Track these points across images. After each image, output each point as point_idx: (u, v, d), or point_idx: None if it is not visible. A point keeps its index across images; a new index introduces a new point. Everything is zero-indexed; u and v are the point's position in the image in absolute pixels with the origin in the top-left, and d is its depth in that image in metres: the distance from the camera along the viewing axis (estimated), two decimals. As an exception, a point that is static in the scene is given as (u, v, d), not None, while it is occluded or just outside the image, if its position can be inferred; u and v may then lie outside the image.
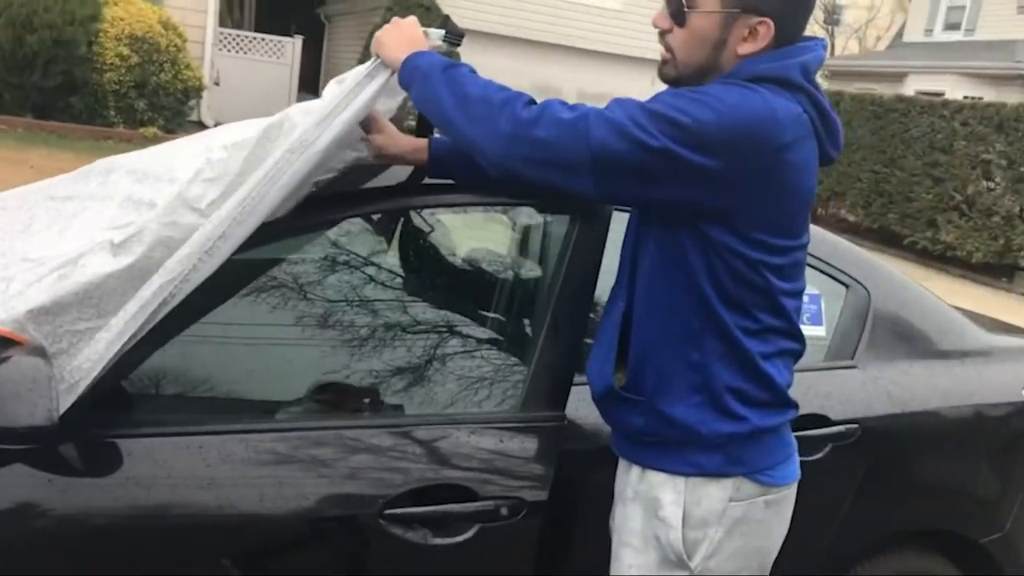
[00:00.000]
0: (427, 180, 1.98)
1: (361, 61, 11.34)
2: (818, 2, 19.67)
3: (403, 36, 1.72)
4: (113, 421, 1.76)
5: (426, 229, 2.22)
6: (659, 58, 1.68)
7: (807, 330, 2.38)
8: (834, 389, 2.34)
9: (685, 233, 1.57)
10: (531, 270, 2.29)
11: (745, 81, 1.55)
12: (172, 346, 1.81)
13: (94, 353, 1.59)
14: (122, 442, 1.71)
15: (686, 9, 1.58)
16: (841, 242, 2.58)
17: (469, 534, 1.79)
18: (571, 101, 1.60)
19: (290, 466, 1.77)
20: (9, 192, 2.23)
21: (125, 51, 11.97)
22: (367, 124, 1.86)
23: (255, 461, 1.75)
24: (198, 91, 12.92)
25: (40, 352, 1.55)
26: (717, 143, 1.46)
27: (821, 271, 2.46)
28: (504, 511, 1.81)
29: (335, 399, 1.99)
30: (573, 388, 1.92)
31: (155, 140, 10.58)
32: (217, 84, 14.63)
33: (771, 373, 1.64)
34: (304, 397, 1.99)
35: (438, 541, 1.78)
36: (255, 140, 1.70)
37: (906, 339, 2.50)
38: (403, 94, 1.94)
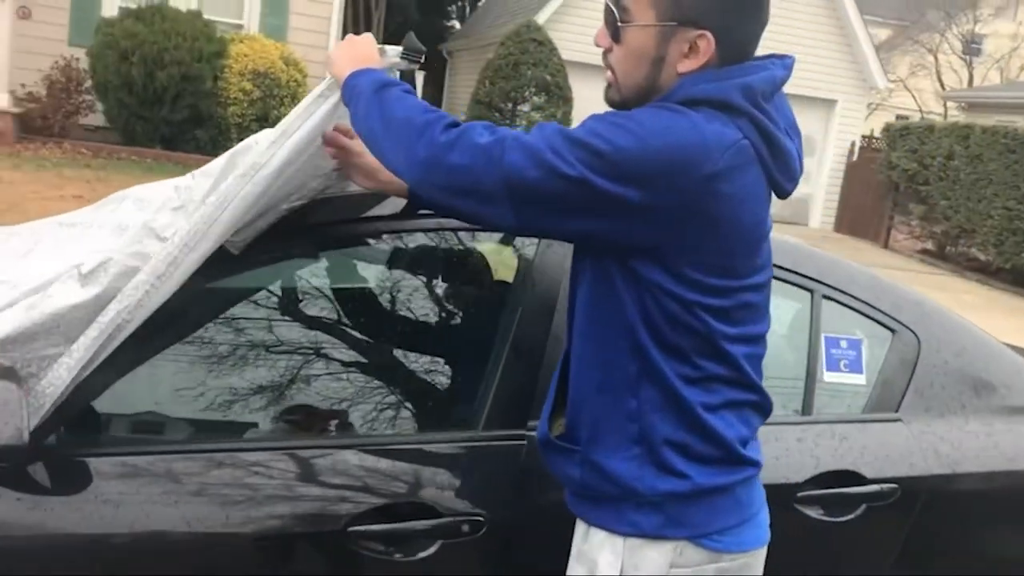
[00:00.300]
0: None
1: (474, 94, 11.43)
2: (956, 32, 18.74)
3: (355, 53, 1.65)
4: (82, 440, 1.78)
5: (387, 251, 2.17)
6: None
7: (844, 378, 2.23)
8: (871, 443, 2.14)
9: (616, 269, 1.45)
10: (495, 288, 2.22)
11: (679, 104, 1.42)
12: (141, 368, 1.83)
13: (56, 377, 1.62)
14: (92, 460, 1.72)
15: (620, 24, 1.48)
16: (888, 282, 2.37)
17: (431, 550, 1.78)
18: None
19: (257, 484, 1.77)
20: (32, 222, 2.29)
21: (248, 86, 12.48)
22: (347, 151, 1.81)
23: (223, 479, 1.76)
24: (317, 124, 13.32)
25: (9, 373, 1.57)
26: (637, 172, 1.34)
27: (864, 314, 2.26)
28: (465, 528, 1.81)
29: (302, 419, 1.99)
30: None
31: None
32: (337, 118, 15.06)
33: (716, 426, 1.49)
34: (272, 417, 2.00)
35: (400, 557, 1.78)
36: (220, 167, 1.68)
37: (963, 391, 2.27)
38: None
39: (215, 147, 12.67)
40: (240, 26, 13.73)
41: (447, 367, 2.15)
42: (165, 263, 1.60)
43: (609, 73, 1.54)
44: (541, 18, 16.31)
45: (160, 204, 1.70)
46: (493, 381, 1.93)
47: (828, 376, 2.21)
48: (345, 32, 18.68)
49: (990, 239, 13.33)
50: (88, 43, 12.19)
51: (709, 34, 1.43)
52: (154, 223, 1.66)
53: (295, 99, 12.77)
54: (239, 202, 1.62)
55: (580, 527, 1.61)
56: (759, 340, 1.54)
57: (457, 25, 30.37)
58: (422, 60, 1.77)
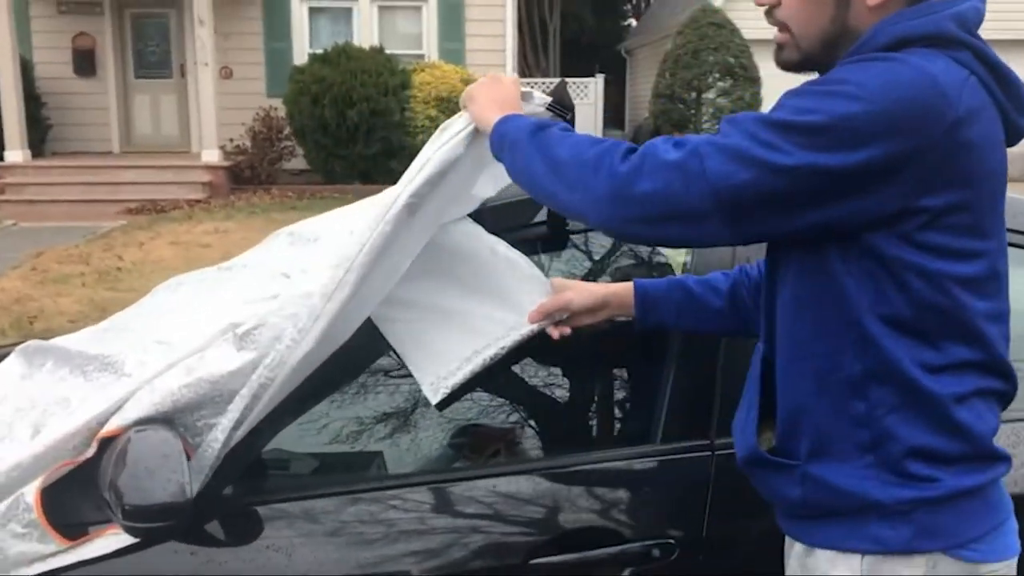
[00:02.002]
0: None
1: (654, 88, 11.22)
2: None
3: (499, 96, 1.53)
4: (247, 489, 1.74)
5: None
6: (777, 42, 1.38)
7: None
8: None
9: (836, 253, 1.25)
10: None
11: (883, 50, 1.22)
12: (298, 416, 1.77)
13: (213, 439, 1.59)
14: (259, 509, 1.67)
15: None
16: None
17: None
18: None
19: (429, 519, 1.70)
20: (199, 270, 2.30)
21: (433, 112, 12.78)
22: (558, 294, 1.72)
23: (392, 517, 1.69)
24: (502, 141, 13.47)
25: (170, 426, 1.56)
26: (868, 136, 1.15)
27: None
28: (656, 553, 1.68)
29: (471, 445, 1.90)
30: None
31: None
32: (522, 131, 15.19)
33: (965, 419, 1.27)
34: (438, 446, 1.91)
35: None
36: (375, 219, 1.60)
37: None
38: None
39: (408, 175, 13.06)
40: (420, 56, 14.12)
41: (614, 378, 2.03)
42: (306, 315, 1.54)
43: (779, 32, 1.36)
44: (717, 0, 15.77)
45: (317, 264, 1.63)
46: (666, 388, 1.78)
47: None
48: (522, 47, 18.92)
49: None
50: (283, 92, 12.89)
51: None
52: (311, 284, 1.60)
53: (479, 119, 12.96)
54: (374, 242, 1.54)
55: (797, 547, 1.41)
56: (1006, 317, 1.32)
57: (634, 23, 30.04)
58: (568, 117, 1.63)
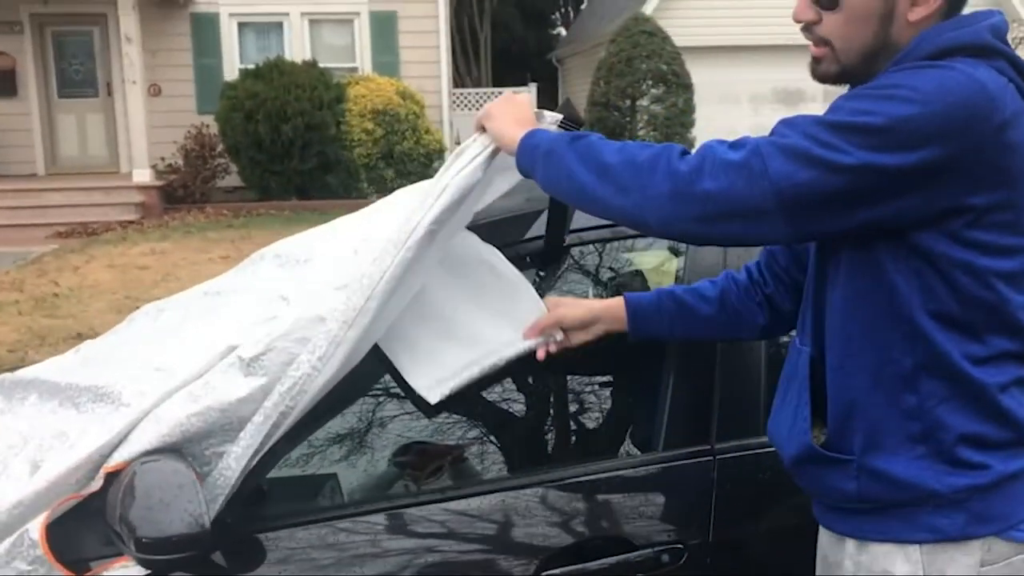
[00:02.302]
0: None
1: (589, 97, 11.37)
2: None
3: (517, 115, 1.55)
4: (258, 516, 1.71)
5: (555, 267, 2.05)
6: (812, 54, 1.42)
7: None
8: None
9: (886, 252, 1.31)
10: None
11: (929, 59, 1.29)
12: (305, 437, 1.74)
13: (226, 467, 1.57)
14: (269, 536, 1.65)
15: None
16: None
17: None
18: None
19: (436, 536, 1.69)
20: (180, 293, 2.25)
21: (370, 126, 12.73)
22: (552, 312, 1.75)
23: (400, 537, 1.69)
24: (440, 153, 13.47)
25: (179, 456, 1.53)
26: (925, 136, 1.21)
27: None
28: (666, 558, 1.70)
29: (416, 462, 1.88)
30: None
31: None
32: (458, 143, 15.17)
33: (1011, 407, 1.34)
34: (443, 465, 1.89)
35: None
36: (383, 245, 1.58)
37: None
38: (513, 174, 1.71)
39: (347, 190, 12.97)
40: (354, 69, 14.05)
41: (614, 387, 2.03)
42: (326, 342, 1.52)
43: (817, 47, 1.40)
44: (648, 9, 16.01)
45: (323, 285, 1.61)
46: (666, 397, 1.81)
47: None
48: (454, 58, 18.93)
49: None
50: (214, 108, 12.70)
51: None
52: (319, 307, 1.57)
53: (416, 131, 12.94)
54: (395, 269, 1.53)
55: (848, 544, 1.43)
56: None
57: (563, 32, 30.30)
58: (580, 129, 1.64)
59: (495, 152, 1.56)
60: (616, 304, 1.73)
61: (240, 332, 1.69)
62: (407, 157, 13.02)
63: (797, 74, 15.96)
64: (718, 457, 1.78)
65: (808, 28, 1.39)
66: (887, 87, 1.26)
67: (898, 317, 1.32)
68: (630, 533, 1.74)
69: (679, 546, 1.72)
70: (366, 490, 1.87)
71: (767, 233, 1.30)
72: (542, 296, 1.81)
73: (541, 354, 1.72)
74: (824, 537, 1.50)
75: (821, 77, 1.42)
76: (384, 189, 12.97)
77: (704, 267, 1.87)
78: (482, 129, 1.59)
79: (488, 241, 1.83)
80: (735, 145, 1.29)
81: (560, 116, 1.65)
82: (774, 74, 16.17)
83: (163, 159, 12.95)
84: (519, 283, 1.78)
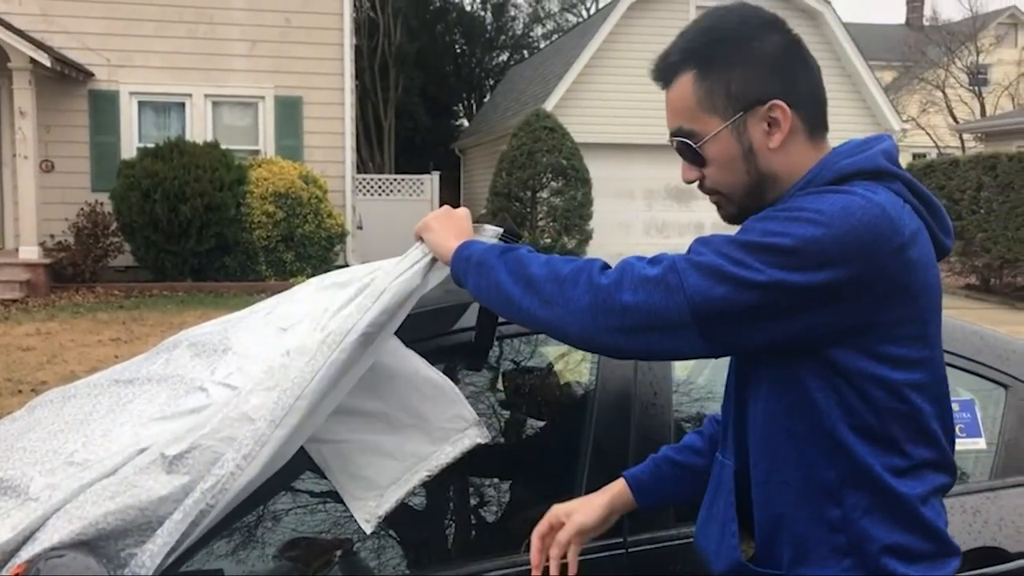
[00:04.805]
0: None
1: (492, 187, 11.68)
2: (960, 65, 18.80)
3: (456, 227, 1.61)
4: None
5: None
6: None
7: (962, 444, 2.04)
8: (1007, 513, 1.95)
9: (805, 368, 1.34)
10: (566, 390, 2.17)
11: (831, 184, 1.36)
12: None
13: (139, 565, 1.52)
14: None
15: (696, 146, 1.43)
16: (989, 334, 2.21)
17: None
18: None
19: None
20: (88, 379, 2.19)
21: (271, 208, 12.64)
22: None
23: None
24: (342, 237, 13.45)
25: (89, 550, 1.48)
26: (831, 257, 1.26)
27: (969, 371, 2.10)
28: None
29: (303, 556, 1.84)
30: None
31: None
32: (360, 228, 15.20)
33: (929, 517, 1.36)
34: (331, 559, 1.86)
35: None
36: (316, 347, 1.58)
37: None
38: (440, 278, 1.76)
39: (244, 272, 12.78)
40: (257, 151, 14.00)
41: (520, 482, 2.04)
42: (252, 440, 1.51)
43: (712, 196, 1.49)
44: (549, 105, 16.54)
45: (252, 385, 1.60)
46: (582, 485, 1.83)
47: (945, 444, 2.03)
48: (359, 144, 19.02)
49: (1030, 267, 13.07)
50: (111, 187, 12.43)
51: (779, 101, 1.39)
52: (245, 405, 1.56)
53: (318, 215, 12.91)
54: (328, 369, 1.54)
55: None
56: (949, 416, 1.43)
57: (466, 123, 30.90)
58: (518, 242, 1.70)
59: (435, 260, 1.60)
60: (619, 488, 1.71)
61: (155, 424, 1.66)
62: (308, 240, 12.95)
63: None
64: (630, 550, 1.82)
65: (700, 185, 1.47)
66: (794, 210, 1.31)
67: (820, 431, 1.34)
68: None
69: None
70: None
71: (683, 347, 1.33)
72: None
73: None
74: None
75: (727, 220, 1.49)
76: (283, 272, 12.85)
77: (616, 362, 1.93)
78: (420, 239, 1.64)
79: (409, 332, 1.85)
80: (653, 261, 1.35)
81: (500, 230, 1.70)
82: (667, 172, 16.79)
83: (52, 236, 12.54)
84: (445, 387, 1.78)
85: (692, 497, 1.69)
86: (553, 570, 1.59)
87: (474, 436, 1.72)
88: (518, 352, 2.15)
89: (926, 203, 1.40)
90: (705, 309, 1.28)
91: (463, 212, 1.66)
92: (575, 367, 2.22)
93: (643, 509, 1.72)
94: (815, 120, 1.43)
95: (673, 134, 1.46)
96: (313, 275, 13.36)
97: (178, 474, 1.52)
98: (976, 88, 26.52)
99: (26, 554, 1.47)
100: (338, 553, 1.85)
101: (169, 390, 1.79)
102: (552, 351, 2.31)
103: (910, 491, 1.34)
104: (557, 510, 1.66)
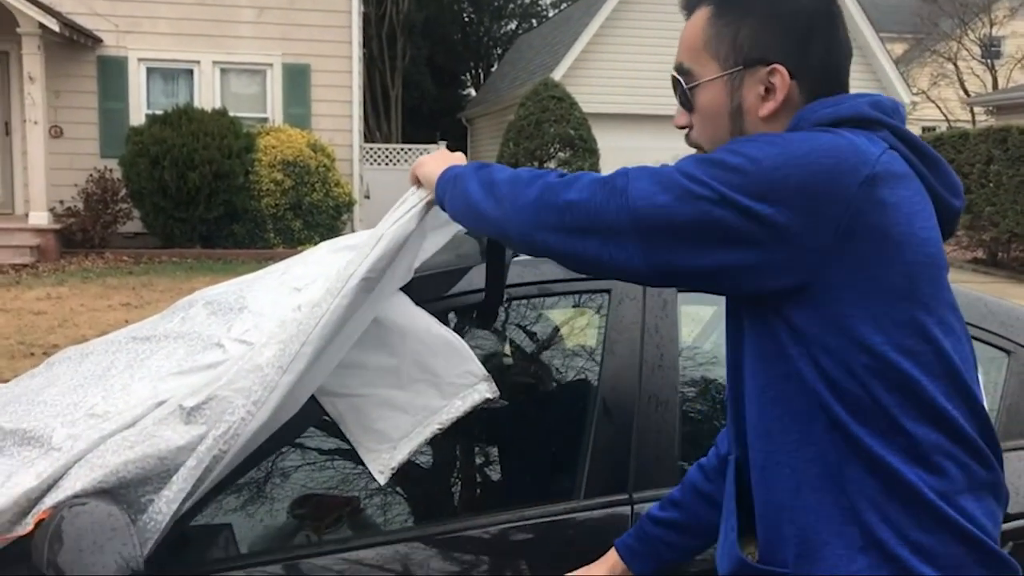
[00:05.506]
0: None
1: (499, 157, 11.58)
2: (973, 37, 18.55)
3: (449, 158, 1.59)
4: (189, 560, 1.70)
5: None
6: None
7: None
8: (1008, 476, 1.97)
9: (786, 335, 1.22)
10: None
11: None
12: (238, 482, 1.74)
13: (156, 511, 1.56)
14: None
15: (687, 88, 1.35)
16: (991, 300, 2.23)
17: None
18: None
19: None
20: (103, 337, 2.24)
21: (279, 176, 12.65)
22: None
23: None
24: (349, 206, 13.46)
25: (110, 498, 1.52)
26: (784, 186, 1.14)
27: (975, 339, 2.12)
28: None
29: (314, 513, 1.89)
30: None
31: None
32: (368, 197, 15.22)
33: (961, 518, 1.18)
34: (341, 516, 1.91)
35: None
36: (321, 297, 1.62)
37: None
38: (448, 230, 1.82)
39: (252, 240, 12.81)
40: (265, 119, 13.99)
41: (529, 438, 2.06)
42: (261, 387, 1.54)
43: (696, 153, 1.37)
44: (557, 75, 16.47)
45: (266, 339, 1.63)
46: (588, 444, 1.85)
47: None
48: (365, 113, 18.99)
49: (1042, 240, 13.04)
50: (119, 153, 12.46)
51: (780, 67, 1.28)
52: (260, 358, 1.59)
53: (325, 183, 12.92)
54: (330, 316, 1.56)
55: None
56: (970, 396, 1.22)
57: (473, 92, 30.76)
58: None
59: (430, 204, 1.62)
60: (615, 558, 1.65)
61: (173, 379, 1.70)
62: (316, 209, 12.97)
63: (698, 143, 16.67)
64: (635, 506, 1.86)
65: (687, 137, 1.40)
66: (762, 135, 1.25)
67: (812, 407, 1.20)
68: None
69: None
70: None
71: (621, 259, 1.23)
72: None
73: None
74: None
75: None
76: (291, 240, 12.88)
77: (625, 324, 1.95)
78: (417, 183, 1.63)
79: (418, 294, 1.88)
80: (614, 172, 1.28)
81: None
82: (675, 143, 16.54)
83: (62, 202, 12.60)
84: (456, 343, 1.80)
85: (698, 546, 1.61)
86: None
87: (484, 391, 1.74)
88: (524, 316, 2.18)
89: (922, 155, 1.26)
90: (645, 216, 1.19)
91: (459, 154, 1.63)
92: (582, 331, 2.25)
93: (642, 572, 1.62)
94: (818, 95, 1.29)
95: (674, 69, 1.38)
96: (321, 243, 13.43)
97: (196, 424, 1.56)
98: (988, 61, 26.27)
99: (50, 501, 1.51)
100: (347, 510, 1.90)
101: (186, 346, 1.83)
102: (558, 315, 2.34)
103: (922, 480, 1.17)
104: None
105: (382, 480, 1.71)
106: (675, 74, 1.38)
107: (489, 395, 1.76)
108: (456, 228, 1.86)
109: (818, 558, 1.21)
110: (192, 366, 1.73)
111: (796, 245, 1.15)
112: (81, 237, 12.55)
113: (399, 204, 1.64)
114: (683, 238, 1.19)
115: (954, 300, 1.24)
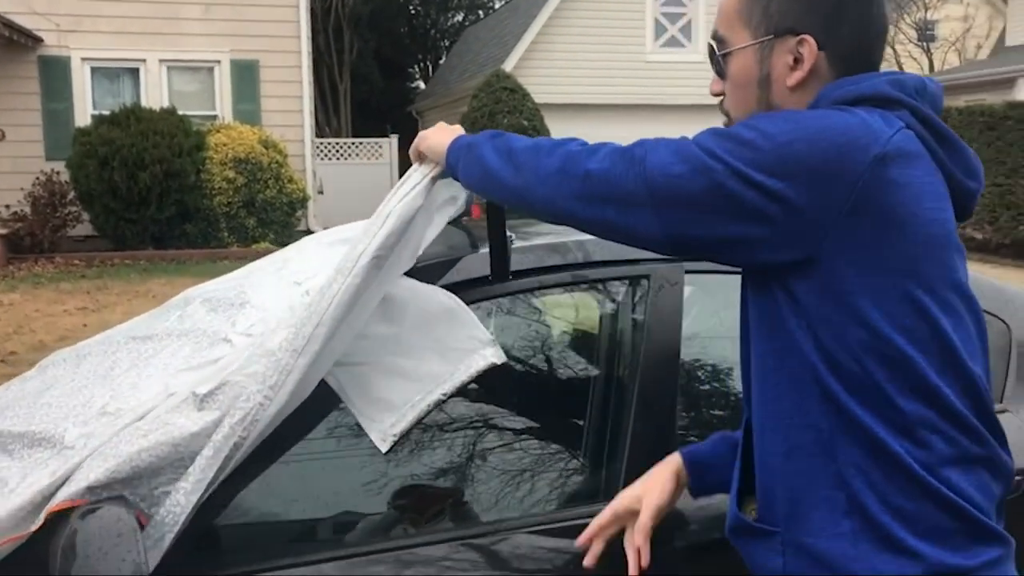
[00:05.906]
0: None
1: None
2: (909, 22, 18.87)
3: (449, 130, 1.60)
4: (203, 561, 1.68)
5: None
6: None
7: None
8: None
9: (787, 309, 1.26)
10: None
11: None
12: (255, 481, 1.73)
13: (174, 504, 1.53)
14: None
15: (720, 56, 1.39)
16: (985, 280, 2.31)
17: None
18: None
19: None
20: (97, 337, 2.23)
21: (231, 174, 12.51)
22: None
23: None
24: (303, 202, 13.35)
25: (122, 502, 1.50)
26: (795, 162, 1.18)
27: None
28: None
29: (415, 506, 1.90)
30: None
31: (269, 254, 10.95)
32: (321, 192, 15.10)
33: (947, 490, 1.21)
34: (396, 507, 1.90)
35: None
36: (331, 277, 1.62)
37: (1063, 371, 2.21)
38: (451, 208, 1.83)
39: (206, 239, 12.66)
40: (214, 117, 13.81)
41: (571, 432, 2.03)
42: (276, 371, 1.53)
43: (724, 121, 1.43)
44: (508, 66, 16.50)
45: (275, 324, 1.63)
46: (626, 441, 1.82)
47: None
48: (315, 108, 18.84)
49: (984, 217, 13.39)
50: (66, 155, 12.22)
51: (809, 38, 1.30)
52: (271, 343, 1.59)
53: (279, 180, 12.80)
54: (342, 296, 1.56)
55: None
56: (967, 375, 1.25)
57: (422, 85, 30.65)
58: None
59: (435, 178, 1.62)
60: (678, 461, 1.60)
61: (187, 375, 1.70)
62: (269, 206, 12.86)
63: (648, 131, 16.79)
64: None
65: (720, 105, 1.42)
66: (775, 112, 1.29)
67: (808, 377, 1.24)
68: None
69: None
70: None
71: (639, 226, 1.26)
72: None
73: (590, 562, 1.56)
74: None
75: None
76: (245, 238, 12.76)
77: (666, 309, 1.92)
78: (419, 160, 1.64)
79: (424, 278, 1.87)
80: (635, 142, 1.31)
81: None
82: (630, 131, 16.80)
83: (8, 207, 12.33)
84: (458, 310, 1.79)
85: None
86: (644, 561, 1.49)
87: (489, 356, 1.72)
88: (559, 302, 2.18)
89: (940, 136, 1.28)
90: (661, 185, 1.23)
91: (458, 126, 1.65)
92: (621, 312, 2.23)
93: (696, 491, 1.59)
94: (846, 71, 1.32)
95: (711, 36, 1.42)
96: (276, 241, 13.06)
97: (209, 410, 1.55)
98: (924, 44, 26.86)
99: (63, 494, 1.49)
100: (450, 501, 1.89)
101: (192, 343, 1.83)
102: (591, 301, 2.31)
103: (907, 451, 1.21)
104: (624, 499, 1.56)
105: (383, 448, 1.68)
106: (711, 41, 1.42)
107: (495, 360, 1.73)
108: (458, 208, 1.87)
109: (806, 520, 1.27)
110: (201, 362, 1.73)
111: (804, 220, 1.18)
112: (30, 242, 12.28)
113: (403, 181, 1.64)
114: (697, 209, 1.22)
115: (962, 280, 1.26)
